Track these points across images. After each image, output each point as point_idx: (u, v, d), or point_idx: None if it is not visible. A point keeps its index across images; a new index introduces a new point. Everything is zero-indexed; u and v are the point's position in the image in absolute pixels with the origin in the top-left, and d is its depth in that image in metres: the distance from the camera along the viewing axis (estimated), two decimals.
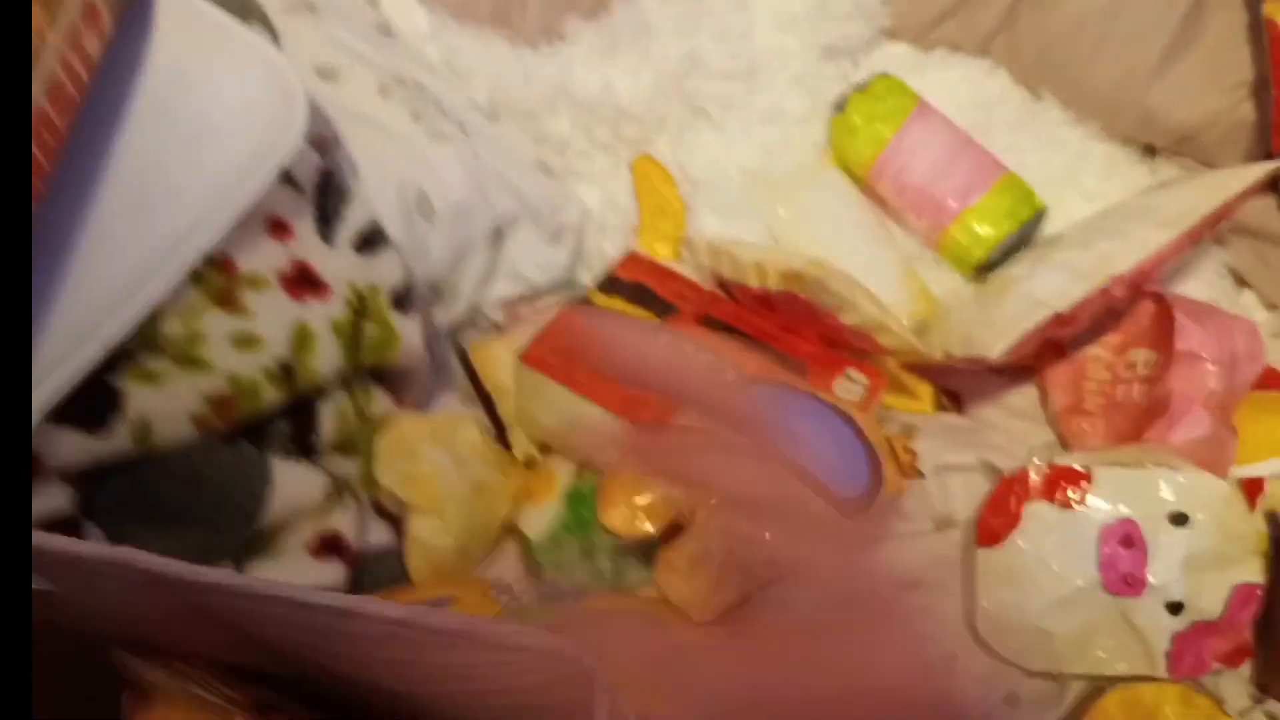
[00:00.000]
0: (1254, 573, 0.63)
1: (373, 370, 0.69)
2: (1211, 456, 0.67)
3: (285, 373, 0.61)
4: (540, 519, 0.71)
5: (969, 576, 0.67)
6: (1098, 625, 0.64)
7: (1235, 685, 0.67)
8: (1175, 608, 0.64)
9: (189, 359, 0.58)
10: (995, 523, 0.66)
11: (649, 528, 0.57)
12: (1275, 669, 0.65)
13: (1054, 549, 0.65)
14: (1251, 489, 0.66)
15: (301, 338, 0.62)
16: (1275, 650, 0.65)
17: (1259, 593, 0.63)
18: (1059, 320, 0.68)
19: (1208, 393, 0.67)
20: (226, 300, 0.60)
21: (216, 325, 0.59)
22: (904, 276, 0.78)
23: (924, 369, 0.76)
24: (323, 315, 0.63)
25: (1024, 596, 0.65)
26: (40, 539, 0.33)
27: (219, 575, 0.32)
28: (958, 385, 0.79)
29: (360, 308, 0.66)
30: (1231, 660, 0.64)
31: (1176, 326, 0.68)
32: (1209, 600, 0.63)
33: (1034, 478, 0.66)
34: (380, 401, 0.70)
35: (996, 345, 0.68)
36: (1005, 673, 0.66)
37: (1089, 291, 0.67)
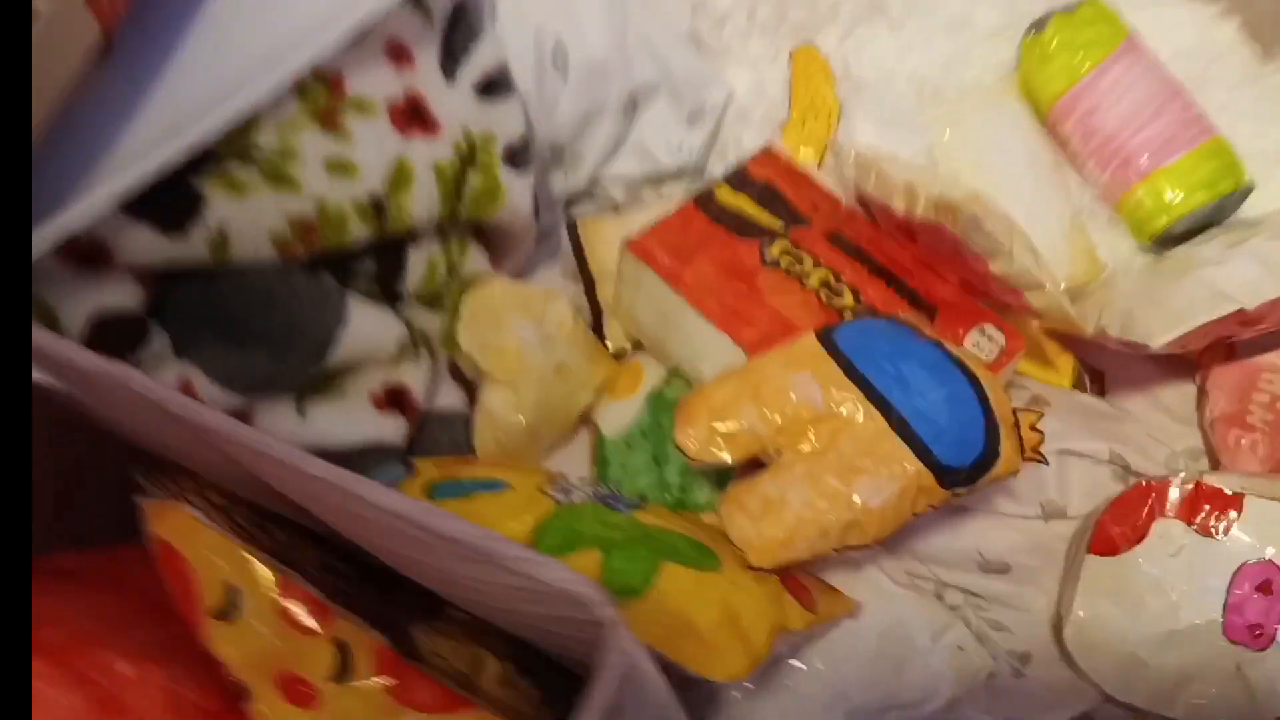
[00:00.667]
0: None
1: (472, 224, 0.65)
2: None
3: (376, 208, 0.57)
4: (618, 416, 0.66)
5: (1070, 578, 0.60)
6: (1204, 671, 0.56)
7: None
8: None
9: (278, 175, 0.54)
10: (1116, 531, 0.59)
11: (726, 457, 0.51)
12: None
13: (1178, 577, 0.57)
14: None
15: (400, 174, 0.58)
16: None
17: None
18: (1241, 318, 0.59)
19: None
20: (329, 120, 0.56)
21: (313, 145, 0.55)
22: (1071, 232, 0.69)
23: (1069, 338, 0.68)
24: (426, 155, 0.58)
25: (1128, 619, 0.57)
26: (41, 339, 0.29)
27: (214, 419, 0.28)
28: (1104, 363, 0.70)
29: (469, 155, 0.61)
30: None
31: None
32: None
33: (1175, 492, 0.58)
34: (476, 259, 0.65)
35: (1163, 333, 0.59)
36: (1080, 690, 0.60)
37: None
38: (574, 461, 0.68)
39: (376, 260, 0.61)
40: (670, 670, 0.44)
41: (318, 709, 0.38)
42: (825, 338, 0.54)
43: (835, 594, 0.55)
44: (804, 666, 0.56)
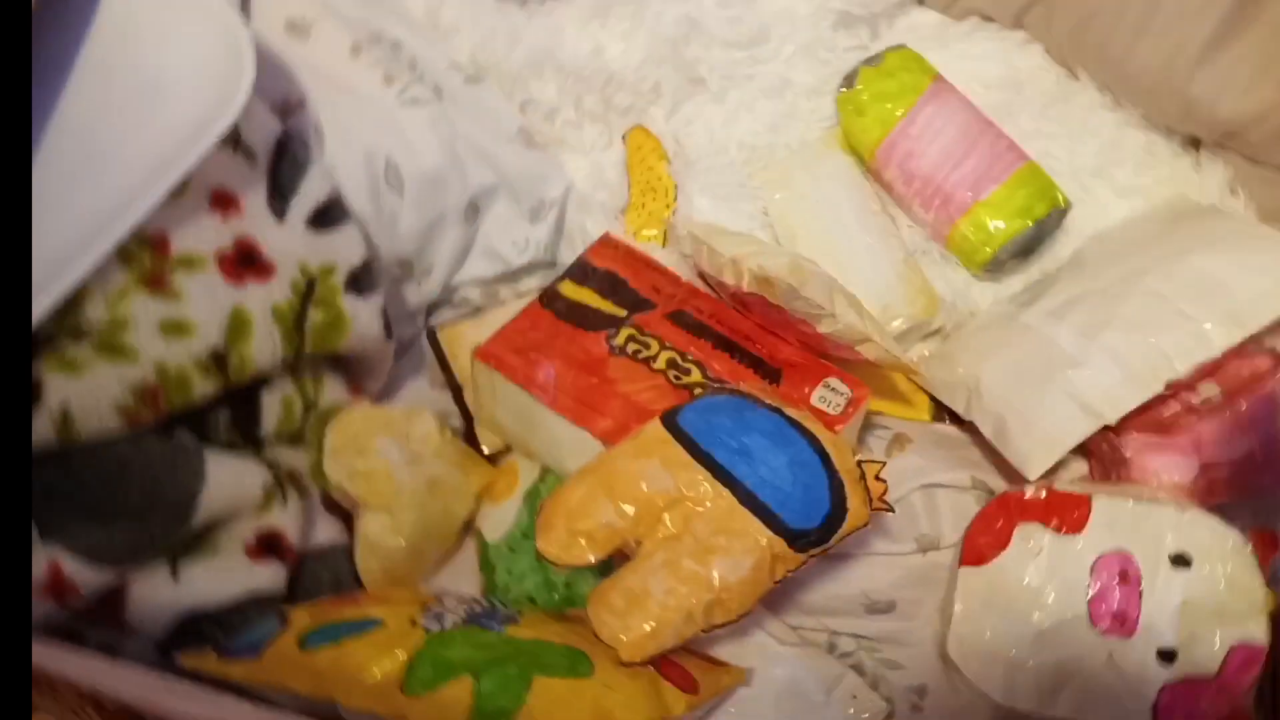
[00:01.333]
0: (1257, 633, 0.57)
1: (325, 358, 0.65)
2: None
3: (218, 362, 0.58)
4: (498, 519, 0.67)
5: (948, 596, 0.62)
6: (1079, 665, 0.59)
7: None
8: (1167, 656, 0.58)
9: (113, 346, 0.55)
10: (982, 541, 0.61)
11: (589, 557, 0.53)
12: None
13: (1043, 576, 0.59)
14: (1264, 544, 0.60)
15: (237, 324, 0.58)
16: None
17: (1263, 657, 0.57)
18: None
19: (1224, 458, 0.61)
20: (157, 283, 0.57)
21: (144, 310, 0.56)
22: (906, 272, 0.72)
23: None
24: (263, 299, 0.59)
25: (1003, 623, 0.60)
26: None
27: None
28: None
29: (308, 290, 0.62)
30: None
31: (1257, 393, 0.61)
32: (1204, 654, 0.58)
33: (1029, 496, 0.61)
34: (332, 389, 0.66)
35: (1039, 464, 0.63)
36: (977, 710, 0.61)
37: (1142, 398, 0.61)
38: (463, 572, 0.68)
39: (229, 410, 0.61)
40: None
41: None
42: (669, 422, 0.55)
43: (719, 668, 0.56)
44: None
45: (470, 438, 0.71)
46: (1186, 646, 0.58)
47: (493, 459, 0.71)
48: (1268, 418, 0.59)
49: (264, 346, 0.59)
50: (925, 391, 0.71)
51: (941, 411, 0.72)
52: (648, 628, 0.50)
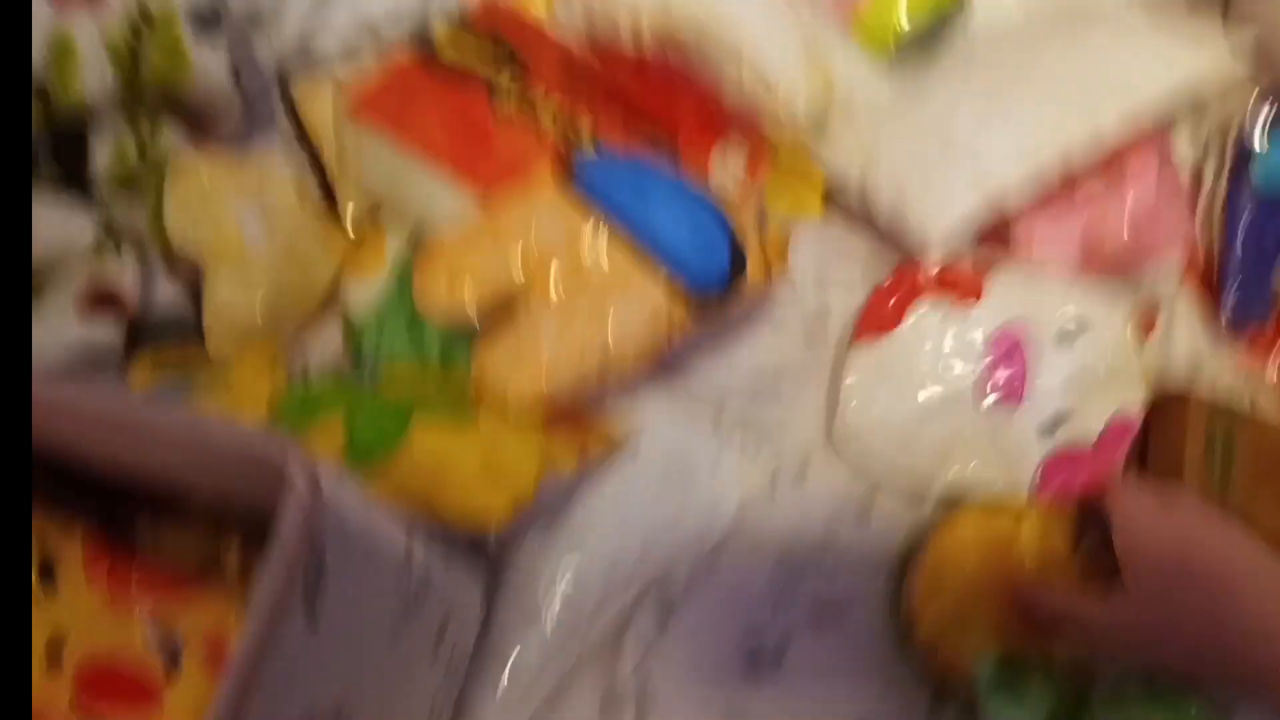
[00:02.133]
0: (1134, 405, 0.59)
1: (163, 99, 0.58)
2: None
3: (40, 92, 0.50)
4: (365, 292, 0.62)
5: (836, 374, 0.61)
6: (964, 437, 0.60)
7: None
8: (1050, 427, 0.60)
9: None
10: (876, 317, 0.61)
11: (474, 305, 0.49)
12: None
13: (934, 350, 0.59)
14: (1148, 321, 0.62)
15: (61, 52, 0.50)
16: None
17: (1134, 429, 0.60)
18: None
19: (1106, 237, 0.62)
20: None
21: None
22: (804, 56, 0.68)
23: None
24: (90, 28, 0.51)
25: (892, 398, 0.60)
26: None
27: None
28: None
29: (144, 22, 0.54)
30: None
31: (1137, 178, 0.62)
32: (1085, 425, 0.59)
33: (927, 274, 0.61)
34: (171, 135, 0.59)
35: (934, 245, 0.61)
36: (857, 487, 0.62)
37: (1036, 182, 0.60)
38: (326, 347, 0.64)
39: (54, 147, 0.54)
40: (439, 532, 0.42)
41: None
42: (561, 173, 0.52)
43: (607, 430, 0.54)
44: (592, 500, 0.56)
45: (330, 200, 0.65)
46: (1069, 418, 0.60)
47: (354, 229, 0.65)
48: (1144, 199, 0.60)
49: (92, 79, 0.51)
50: (815, 184, 0.69)
51: (832, 206, 0.70)
52: (538, 379, 0.47)
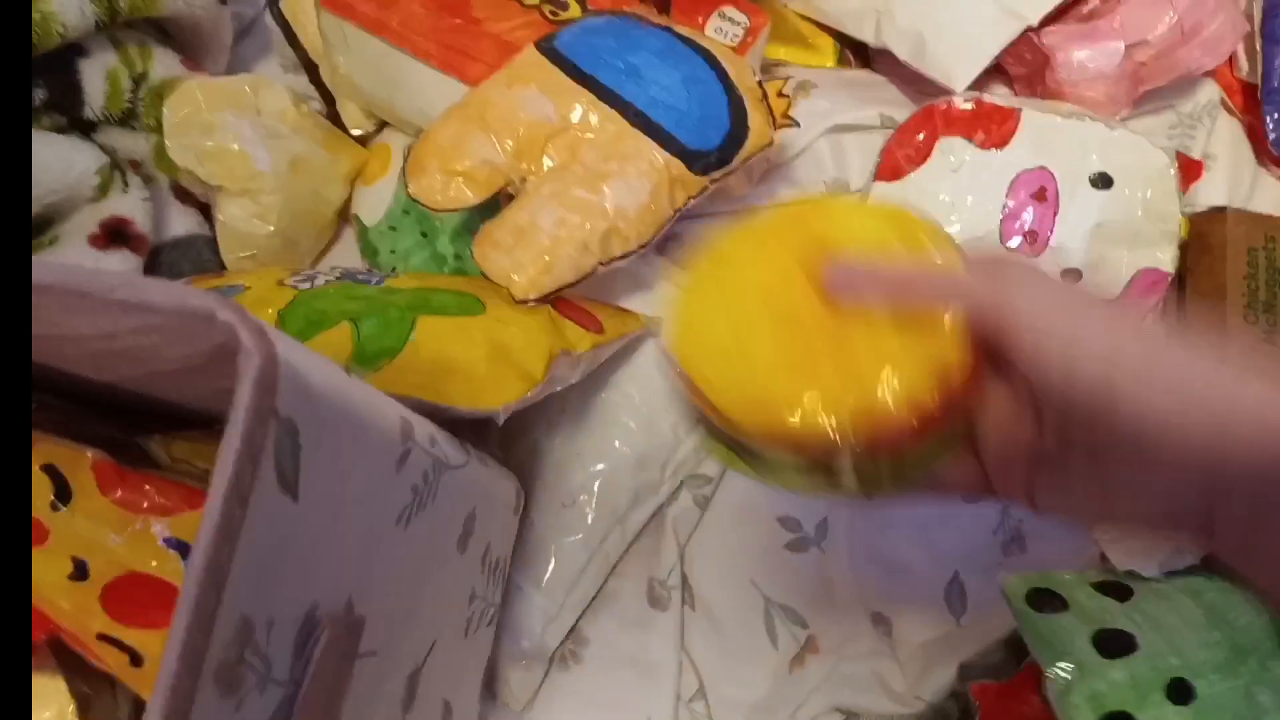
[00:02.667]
0: (1166, 260, 0.56)
1: (153, 24, 0.57)
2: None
3: None
4: (375, 200, 0.62)
5: None
6: None
7: None
8: (1072, 276, 0.57)
9: None
10: (901, 155, 0.58)
11: (469, 196, 0.48)
12: None
13: (958, 190, 0.57)
14: (1190, 170, 0.58)
15: None
16: None
17: (1167, 281, 0.56)
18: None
19: (1150, 35, 0.57)
20: None
21: None
22: None
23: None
24: None
25: None
26: None
27: None
28: None
29: None
30: None
31: None
32: (1110, 277, 0.56)
33: (955, 110, 0.57)
34: (165, 62, 0.58)
35: (964, 73, 0.57)
36: None
37: None
38: (346, 259, 0.64)
39: (46, 87, 0.53)
40: (456, 421, 0.42)
41: (48, 543, 0.34)
42: (545, 47, 0.50)
43: (623, 313, 0.53)
44: (618, 395, 0.55)
45: (335, 121, 0.64)
46: (1093, 267, 0.57)
47: (361, 141, 0.64)
48: None
49: (69, 5, 0.51)
50: (828, 33, 0.66)
51: (846, 56, 0.67)
52: (541, 261, 0.46)
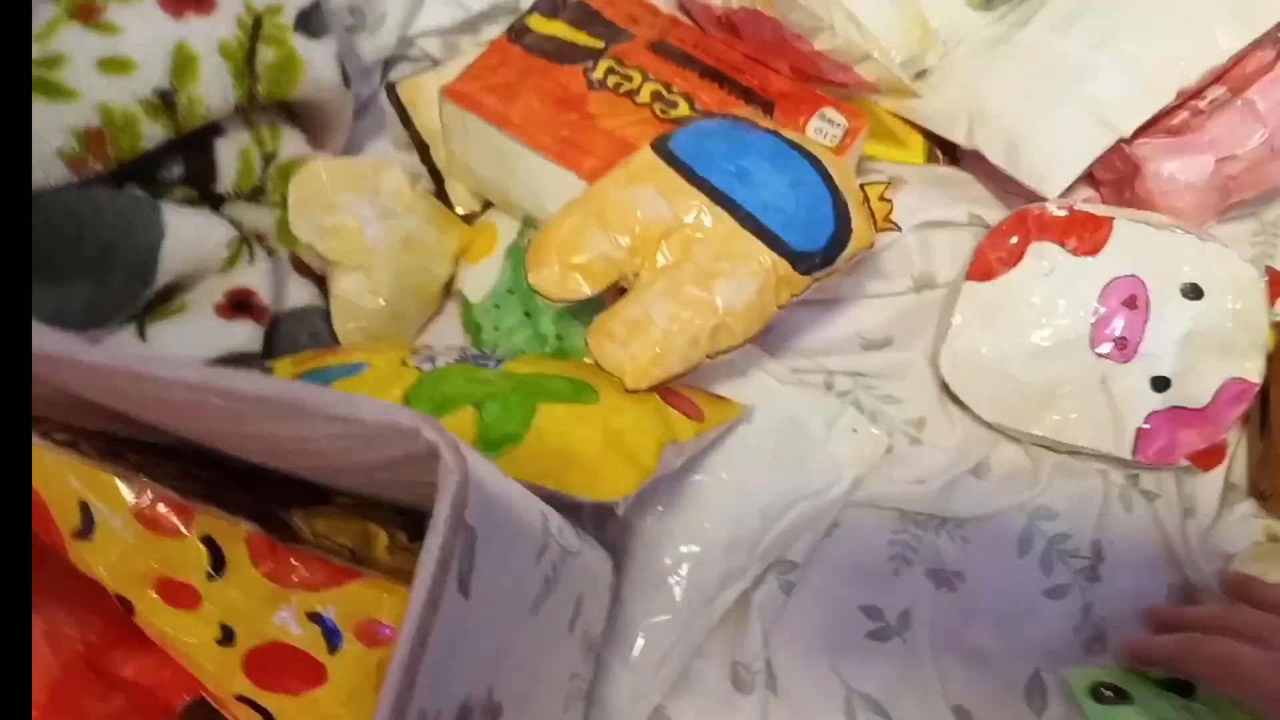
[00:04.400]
0: (1254, 370, 0.57)
1: (279, 104, 0.60)
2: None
3: (165, 102, 0.53)
4: (480, 278, 0.64)
5: (946, 312, 0.61)
6: (1071, 384, 0.58)
7: (1207, 489, 0.61)
8: (1161, 383, 0.58)
9: (49, 86, 0.50)
10: (994, 256, 0.60)
11: (586, 289, 0.50)
12: (1272, 474, 0.59)
13: (1050, 295, 0.58)
14: (1277, 282, 0.59)
15: (183, 61, 0.53)
16: (1274, 458, 0.59)
17: (1254, 391, 0.57)
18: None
19: (1240, 150, 0.58)
20: (89, 15, 0.51)
21: (79, 45, 0.51)
22: (898, 2, 0.67)
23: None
24: (207, 35, 0.54)
25: (1002, 339, 0.59)
26: None
27: None
28: None
29: (255, 28, 0.56)
30: (1204, 460, 0.59)
31: (1265, 82, 0.58)
32: (1199, 386, 0.57)
33: (1050, 216, 0.59)
34: (292, 142, 0.61)
35: (1058, 181, 0.59)
36: (975, 442, 0.61)
37: (1156, 107, 0.58)
38: (447, 335, 0.66)
39: (184, 163, 0.57)
40: (565, 505, 0.44)
41: (200, 608, 0.36)
42: (661, 148, 0.52)
43: (722, 401, 0.55)
44: (710, 479, 0.57)
45: (442, 198, 0.67)
46: (1182, 377, 0.58)
47: (467, 220, 0.67)
48: (1277, 104, 0.57)
49: (213, 86, 0.54)
50: (919, 131, 0.68)
51: (935, 153, 0.69)
52: (652, 353, 0.48)
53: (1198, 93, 0.59)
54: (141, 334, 0.56)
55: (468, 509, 0.25)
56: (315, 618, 0.37)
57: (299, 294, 0.62)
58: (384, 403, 0.24)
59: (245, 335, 0.57)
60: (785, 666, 0.57)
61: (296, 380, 0.25)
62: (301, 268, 0.63)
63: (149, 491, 0.38)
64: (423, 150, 0.67)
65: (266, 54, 0.56)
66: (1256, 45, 0.58)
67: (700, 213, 0.50)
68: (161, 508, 0.38)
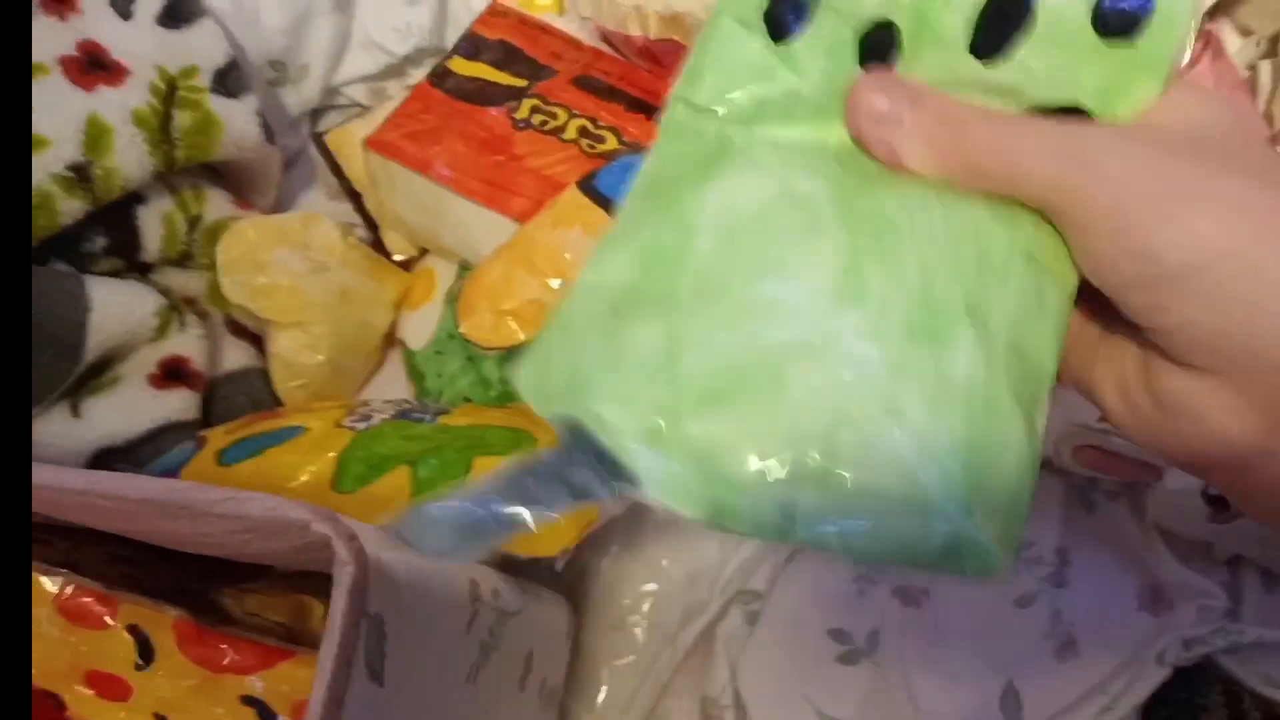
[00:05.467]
0: None
1: (205, 166, 0.60)
2: None
3: (81, 176, 0.52)
4: (420, 325, 0.63)
5: None
6: None
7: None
8: None
9: None
10: None
11: (520, 335, 0.49)
12: None
13: None
14: None
15: (95, 133, 0.52)
16: None
17: None
18: None
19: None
20: None
21: None
22: None
23: None
24: (119, 105, 0.53)
25: None
26: None
27: None
28: None
29: (168, 93, 0.55)
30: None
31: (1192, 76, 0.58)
32: None
33: None
34: (218, 205, 0.60)
35: None
36: None
37: None
38: (393, 385, 0.65)
39: (106, 234, 0.56)
40: (512, 562, 0.43)
41: (130, 700, 0.35)
42: (586, 186, 0.52)
43: None
44: (663, 514, 0.56)
45: (379, 247, 0.66)
46: None
47: (405, 265, 0.66)
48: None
49: (129, 156, 0.53)
50: None
51: None
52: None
53: None
54: (75, 411, 0.55)
55: (368, 599, 0.24)
56: (250, 700, 0.36)
57: (235, 356, 0.61)
58: (271, 498, 0.24)
59: (181, 404, 0.56)
60: (755, 698, 0.56)
61: (185, 480, 0.24)
62: (237, 329, 0.62)
63: (71, 585, 0.37)
64: (355, 198, 0.66)
65: (183, 118, 0.55)
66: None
67: None
68: (85, 599, 0.37)
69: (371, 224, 0.67)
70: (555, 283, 0.49)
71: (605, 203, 0.51)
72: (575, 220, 0.50)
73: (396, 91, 0.70)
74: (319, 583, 0.42)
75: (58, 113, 0.51)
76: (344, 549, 0.23)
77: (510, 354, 0.58)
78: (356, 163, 0.65)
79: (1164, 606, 0.57)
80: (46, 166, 0.51)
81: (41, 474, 0.25)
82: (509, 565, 0.42)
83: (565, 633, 0.50)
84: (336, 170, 0.66)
